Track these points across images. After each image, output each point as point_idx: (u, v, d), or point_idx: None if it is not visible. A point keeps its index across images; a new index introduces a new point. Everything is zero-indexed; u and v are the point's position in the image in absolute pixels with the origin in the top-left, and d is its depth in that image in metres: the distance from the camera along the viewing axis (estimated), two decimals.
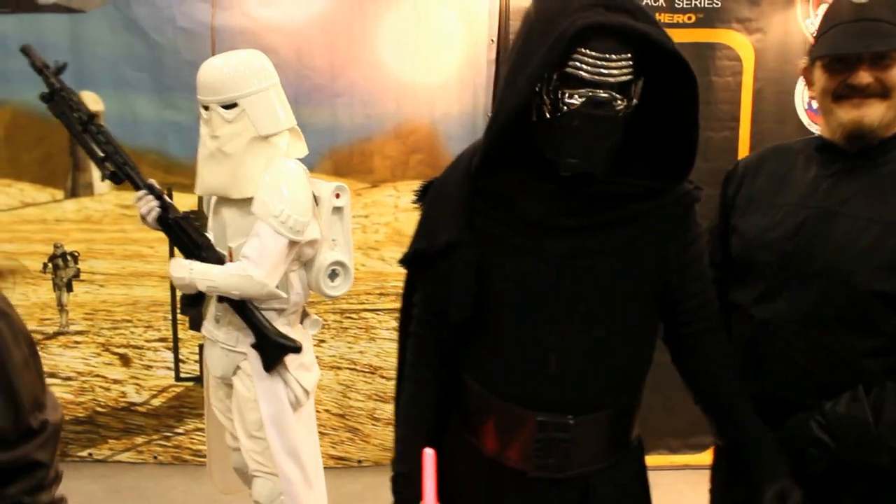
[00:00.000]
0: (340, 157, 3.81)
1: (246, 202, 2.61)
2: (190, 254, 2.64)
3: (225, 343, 2.71)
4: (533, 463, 1.64)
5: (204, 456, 3.99)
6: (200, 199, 3.92)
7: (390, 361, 4.00)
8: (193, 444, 4.06)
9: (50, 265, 3.92)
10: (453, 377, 1.77)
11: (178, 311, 3.97)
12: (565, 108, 1.45)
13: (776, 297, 1.85)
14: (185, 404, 4.04)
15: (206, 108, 2.61)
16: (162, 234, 3.82)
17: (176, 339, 4.00)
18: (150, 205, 2.61)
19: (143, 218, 2.67)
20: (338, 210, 2.76)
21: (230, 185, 2.60)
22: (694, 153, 1.56)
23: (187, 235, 2.64)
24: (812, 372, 1.80)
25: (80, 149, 3.85)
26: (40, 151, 3.88)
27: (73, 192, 3.91)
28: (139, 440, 4.05)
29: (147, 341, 4.00)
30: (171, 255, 3.92)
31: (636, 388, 1.72)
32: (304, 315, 2.85)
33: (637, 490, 1.78)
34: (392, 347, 3.99)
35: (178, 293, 3.95)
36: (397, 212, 3.91)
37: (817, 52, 1.82)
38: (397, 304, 3.88)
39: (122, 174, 2.62)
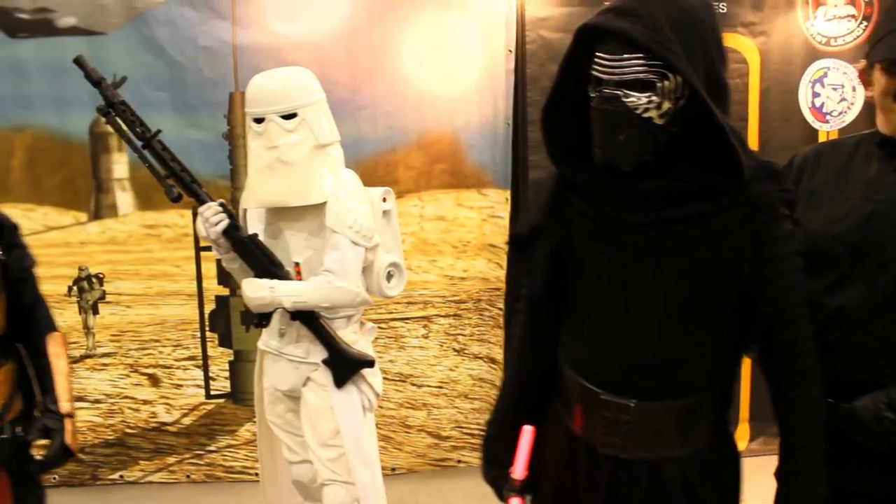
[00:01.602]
0: (365, 169, 3.83)
1: (307, 215, 2.65)
2: (265, 272, 2.65)
3: (294, 356, 2.74)
4: (601, 440, 1.74)
5: (238, 472, 4.05)
6: None
7: (420, 369, 4.06)
8: (226, 461, 4.06)
9: (75, 288, 3.91)
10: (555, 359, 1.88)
11: (207, 328, 3.99)
12: (592, 103, 1.61)
13: (847, 285, 1.93)
14: (217, 422, 4.04)
15: (259, 120, 2.64)
16: (189, 253, 3.93)
17: (205, 357, 4.00)
18: (221, 216, 2.61)
19: (206, 229, 2.65)
20: (386, 213, 2.82)
21: (291, 194, 2.62)
22: (733, 151, 1.59)
23: (264, 254, 2.66)
24: (886, 354, 1.89)
25: (102, 170, 3.91)
26: (62, 175, 3.87)
27: (96, 215, 3.91)
28: (171, 460, 4.04)
29: (176, 360, 4.00)
30: (198, 273, 3.94)
31: (708, 384, 1.73)
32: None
33: (712, 488, 1.77)
34: (421, 355, 4.06)
35: (207, 311, 3.98)
36: (422, 221, 3.96)
37: (877, 55, 1.91)
38: (425, 313, 4.01)
39: (190, 192, 2.63)
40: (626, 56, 1.55)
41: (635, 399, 1.69)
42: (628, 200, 1.66)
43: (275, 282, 2.64)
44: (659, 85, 1.56)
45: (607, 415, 1.72)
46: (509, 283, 4.02)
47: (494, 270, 4.01)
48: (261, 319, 2.76)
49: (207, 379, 4.03)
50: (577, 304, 1.78)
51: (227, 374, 4.03)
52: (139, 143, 2.61)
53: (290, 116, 2.62)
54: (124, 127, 2.61)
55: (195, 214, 3.86)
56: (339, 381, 2.68)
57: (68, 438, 2.22)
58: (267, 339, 2.84)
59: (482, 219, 3.99)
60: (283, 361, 2.78)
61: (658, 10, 1.54)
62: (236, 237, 2.64)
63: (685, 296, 1.67)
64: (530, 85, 3.93)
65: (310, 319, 2.66)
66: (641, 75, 1.55)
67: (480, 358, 4.08)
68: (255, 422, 3.99)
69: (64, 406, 2.24)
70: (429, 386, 4.06)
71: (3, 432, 2.13)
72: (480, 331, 4.06)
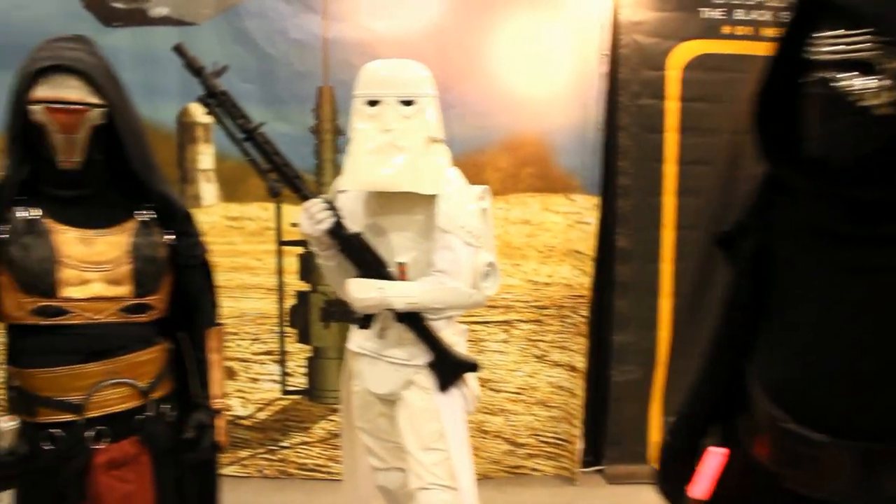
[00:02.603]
0: None
1: (414, 212, 2.58)
2: (372, 272, 2.58)
3: (396, 358, 2.65)
4: (785, 472, 1.57)
5: (311, 470, 4.05)
6: None
7: (499, 374, 4.00)
8: (299, 457, 4.04)
9: None
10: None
11: (287, 323, 3.97)
12: (805, 89, 1.45)
13: None
14: (292, 418, 4.02)
15: (374, 103, 2.56)
16: (271, 247, 3.90)
17: (283, 353, 3.98)
18: (327, 213, 2.54)
19: (311, 226, 2.56)
20: (483, 212, 2.74)
21: (403, 179, 2.52)
22: None
23: (371, 253, 2.59)
24: None
25: (187, 160, 3.90)
26: None
27: None
28: (244, 454, 4.02)
29: (254, 354, 3.98)
30: (280, 267, 3.92)
31: None
32: None
33: None
34: (501, 360, 4.00)
35: (287, 306, 3.96)
36: (507, 224, 3.89)
37: None
38: (506, 317, 3.94)
39: (292, 187, 2.57)
40: (845, 33, 1.37)
41: (828, 434, 1.49)
42: (836, 208, 1.47)
43: (384, 282, 2.56)
44: (886, 67, 1.35)
45: (793, 446, 1.53)
46: (595, 290, 3.95)
47: (579, 277, 3.93)
48: (365, 321, 2.68)
49: (284, 374, 4.01)
50: (772, 315, 1.62)
51: (304, 370, 4.01)
52: (240, 135, 2.57)
53: (408, 103, 2.55)
54: (225, 118, 2.56)
55: (279, 208, 3.90)
56: (444, 385, 2.61)
57: (219, 436, 2.22)
58: (360, 341, 2.75)
59: (568, 224, 3.91)
60: (383, 364, 2.69)
61: None
62: (342, 235, 2.58)
63: (890, 325, 1.45)
64: (622, 90, 3.86)
65: (416, 321, 2.59)
66: (864, 54, 1.36)
67: (560, 365, 4.01)
68: (330, 420, 4.01)
69: (216, 403, 2.24)
70: (507, 392, 4.00)
71: (148, 410, 2.12)
72: (562, 338, 3.98)
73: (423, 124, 2.56)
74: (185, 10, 3.79)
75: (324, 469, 4.03)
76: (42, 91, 1.98)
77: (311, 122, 3.83)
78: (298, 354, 4.00)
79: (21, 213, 2.03)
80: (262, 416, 4.01)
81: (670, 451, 1.84)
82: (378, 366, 2.70)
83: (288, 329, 3.98)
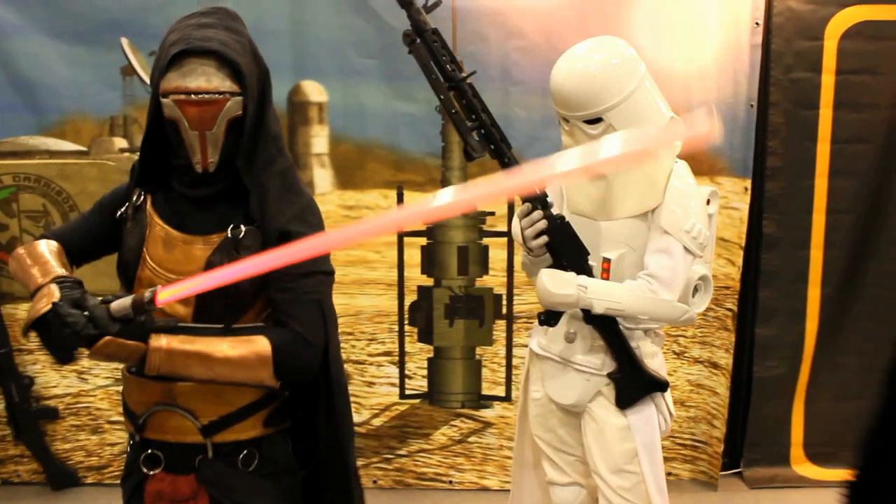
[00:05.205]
0: None
1: None
2: (572, 264, 2.26)
3: (585, 366, 2.37)
4: None
5: (430, 479, 3.76)
6: None
7: None
8: (417, 466, 3.72)
9: None
10: None
11: (407, 321, 3.64)
12: None
13: None
14: (410, 424, 3.70)
15: (567, 119, 2.28)
16: (391, 238, 3.56)
17: (402, 353, 3.65)
18: (537, 226, 2.23)
19: (526, 239, 2.27)
20: (708, 218, 2.43)
21: (595, 209, 2.31)
22: None
23: (577, 244, 2.26)
24: None
25: (299, 144, 3.54)
26: None
27: None
28: (357, 463, 3.68)
29: (370, 355, 3.64)
30: (400, 260, 3.58)
31: None
32: None
33: None
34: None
35: (407, 302, 3.62)
36: None
37: None
38: None
39: (496, 153, 2.22)
40: None
41: None
42: None
43: (584, 279, 2.24)
44: None
45: None
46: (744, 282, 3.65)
47: (724, 267, 3.61)
48: (549, 318, 2.35)
49: (403, 377, 3.68)
50: None
51: (424, 372, 3.69)
52: (445, 86, 2.20)
53: (594, 121, 2.22)
54: (431, 63, 2.18)
55: (400, 196, 3.56)
56: (627, 402, 2.33)
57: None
58: (544, 342, 2.45)
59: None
60: (570, 371, 2.40)
61: None
62: (551, 223, 2.25)
63: None
64: (774, 62, 3.53)
65: (609, 326, 2.29)
66: None
67: (701, 362, 3.71)
68: (452, 425, 3.70)
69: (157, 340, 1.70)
70: None
71: (209, 451, 1.85)
72: (703, 332, 3.68)
73: None
74: None
75: (444, 478, 3.73)
76: (171, 81, 1.67)
77: (438, 101, 3.47)
78: (419, 355, 3.67)
79: (135, 196, 1.87)
80: (377, 422, 3.69)
81: None
82: (564, 373, 2.42)
83: (408, 328, 3.65)
